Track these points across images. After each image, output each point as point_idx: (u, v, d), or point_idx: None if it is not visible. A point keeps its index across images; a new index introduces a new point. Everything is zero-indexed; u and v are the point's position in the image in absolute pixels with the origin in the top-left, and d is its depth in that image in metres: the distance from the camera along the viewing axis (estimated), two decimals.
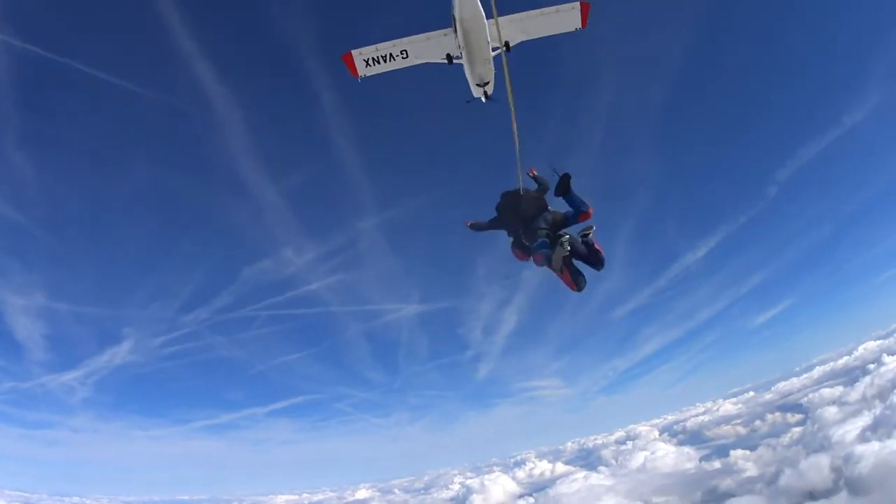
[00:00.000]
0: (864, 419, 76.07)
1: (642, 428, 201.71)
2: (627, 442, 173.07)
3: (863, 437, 67.11)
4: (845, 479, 61.83)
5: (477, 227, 12.77)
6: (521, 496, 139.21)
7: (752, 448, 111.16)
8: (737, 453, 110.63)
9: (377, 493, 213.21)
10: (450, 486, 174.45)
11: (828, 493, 64.05)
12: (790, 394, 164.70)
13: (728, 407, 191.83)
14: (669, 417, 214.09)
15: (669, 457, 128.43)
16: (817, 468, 69.75)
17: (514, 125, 11.01)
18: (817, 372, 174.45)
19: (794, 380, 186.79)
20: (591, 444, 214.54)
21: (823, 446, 75.92)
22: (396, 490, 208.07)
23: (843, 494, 60.88)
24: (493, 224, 12.59)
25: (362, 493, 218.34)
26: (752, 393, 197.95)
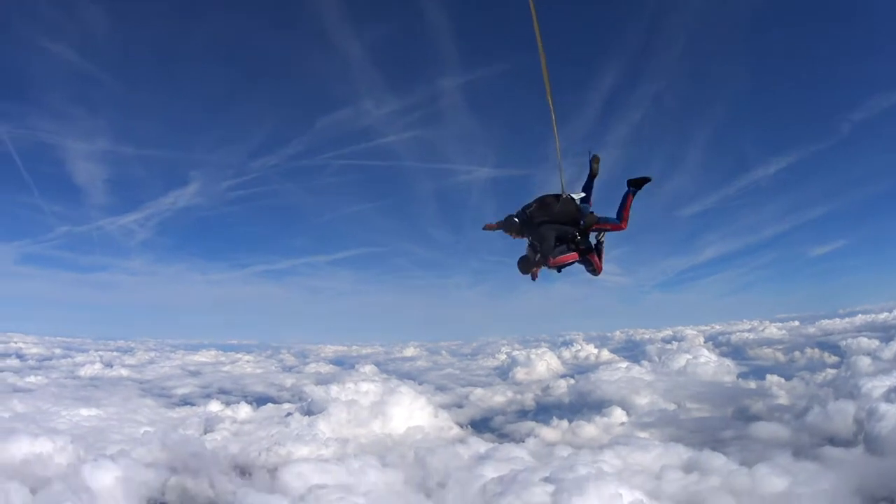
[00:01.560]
0: (894, 380, 77.57)
1: (689, 331, 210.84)
2: (673, 342, 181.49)
3: (888, 397, 68.77)
4: (865, 434, 64.66)
5: (498, 228, 10.65)
6: (563, 376, 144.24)
7: (788, 377, 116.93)
8: (773, 378, 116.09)
9: (425, 353, 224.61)
10: (496, 356, 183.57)
11: (847, 442, 66.47)
12: (831, 333, 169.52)
13: (773, 330, 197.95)
14: (717, 327, 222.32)
15: (710, 366, 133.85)
16: (843, 415, 74.08)
17: (555, 126, 9.07)
18: (859, 319, 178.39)
19: (837, 320, 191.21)
20: (638, 337, 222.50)
21: (852, 394, 79.03)
22: (444, 352, 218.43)
23: (860, 449, 62.76)
24: (515, 227, 10.38)
25: (410, 351, 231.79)
26: (796, 323, 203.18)
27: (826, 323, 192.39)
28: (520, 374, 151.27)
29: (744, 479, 55.90)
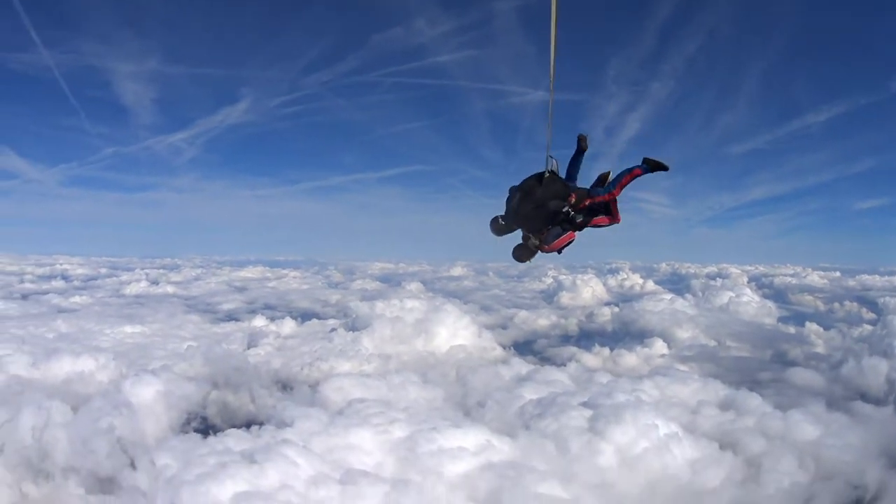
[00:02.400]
0: None
1: (733, 270, 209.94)
2: (717, 279, 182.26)
3: None
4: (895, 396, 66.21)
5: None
6: (607, 303, 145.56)
7: (827, 327, 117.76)
8: (812, 326, 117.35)
9: (472, 273, 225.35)
10: (542, 279, 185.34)
11: (878, 401, 67.10)
12: (871, 289, 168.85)
13: (815, 278, 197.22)
14: (760, 268, 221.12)
15: (752, 306, 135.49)
16: (875, 372, 75.34)
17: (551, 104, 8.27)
18: None
19: (877, 277, 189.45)
20: (683, 271, 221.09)
21: (887, 353, 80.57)
22: (491, 273, 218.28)
23: (890, 409, 63.04)
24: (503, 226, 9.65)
25: (457, 271, 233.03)
26: (838, 274, 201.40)
27: (866, 278, 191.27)
28: (565, 298, 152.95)
29: (777, 422, 58.05)
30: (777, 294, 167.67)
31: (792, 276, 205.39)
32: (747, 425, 58.13)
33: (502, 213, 9.66)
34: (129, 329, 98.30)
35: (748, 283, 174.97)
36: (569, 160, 10.08)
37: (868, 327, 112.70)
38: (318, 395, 61.05)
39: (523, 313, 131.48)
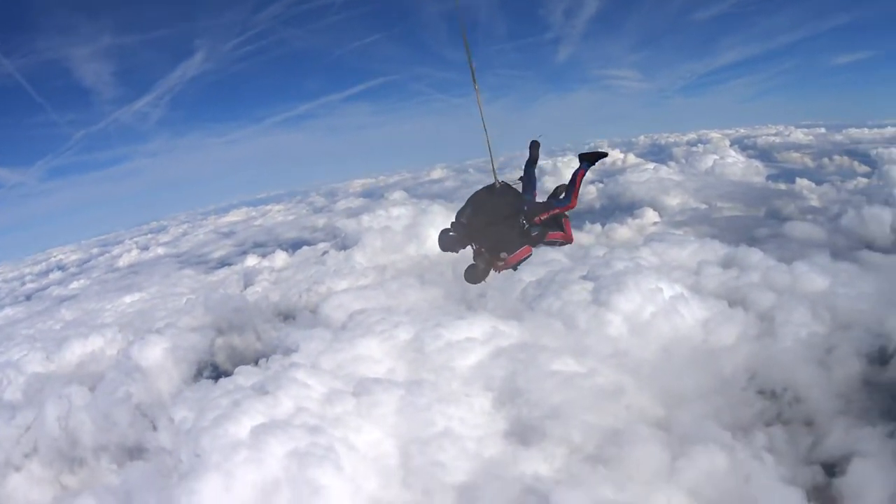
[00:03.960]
0: None
1: (714, 135, 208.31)
2: (698, 145, 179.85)
3: None
4: None
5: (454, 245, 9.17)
6: (591, 182, 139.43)
7: (818, 182, 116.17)
8: (803, 182, 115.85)
9: (452, 173, 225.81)
10: (523, 167, 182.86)
11: (885, 250, 66.12)
12: (860, 142, 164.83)
13: (799, 135, 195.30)
14: (741, 131, 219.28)
15: (738, 166, 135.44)
16: (878, 221, 74.27)
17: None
18: (889, 131, 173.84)
19: (866, 130, 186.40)
20: (662, 141, 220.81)
21: (888, 202, 79.30)
22: (471, 170, 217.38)
23: None
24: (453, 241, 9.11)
25: (437, 173, 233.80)
26: (823, 130, 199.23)
27: (854, 132, 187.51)
28: (548, 183, 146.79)
29: (783, 275, 56.87)
30: (762, 154, 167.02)
31: (775, 135, 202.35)
32: (753, 281, 57.16)
33: (451, 225, 9.14)
34: (128, 299, 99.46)
35: (731, 146, 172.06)
36: (522, 171, 9.98)
37: (863, 180, 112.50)
38: (319, 317, 61.22)
39: None
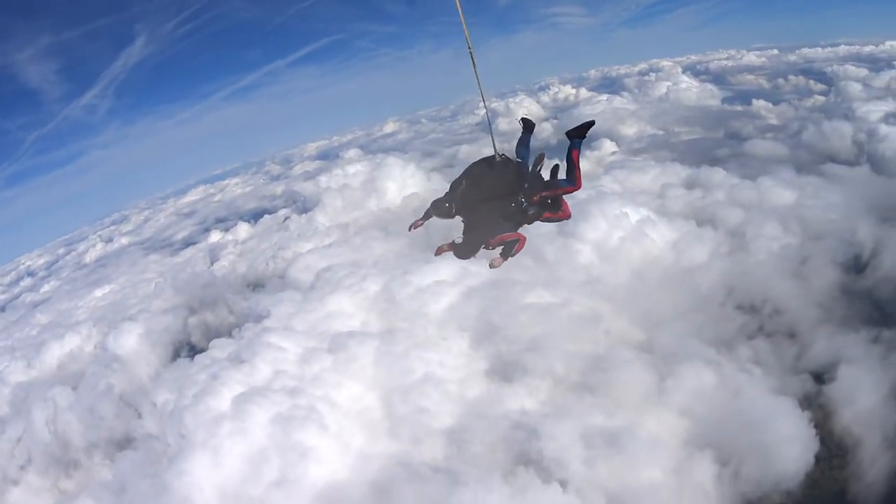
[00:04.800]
0: (889, 105, 77.84)
1: (665, 63, 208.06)
2: (650, 74, 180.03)
3: (888, 121, 68.11)
4: (868, 155, 64.02)
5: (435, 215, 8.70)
6: (545, 119, 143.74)
7: (775, 102, 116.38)
8: (759, 103, 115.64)
9: (405, 125, 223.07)
10: (475, 112, 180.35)
11: (849, 162, 65.91)
12: (814, 61, 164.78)
13: (751, 58, 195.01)
14: (692, 58, 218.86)
15: (692, 91, 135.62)
16: (840, 135, 73.95)
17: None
18: (843, 50, 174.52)
19: (819, 50, 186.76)
20: (613, 74, 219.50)
21: (847, 117, 78.70)
22: (423, 120, 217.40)
23: (866, 168, 61.81)
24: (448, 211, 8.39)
25: (390, 127, 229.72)
26: (775, 51, 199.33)
27: (807, 52, 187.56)
28: (502, 125, 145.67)
29: (749, 192, 56.95)
30: (716, 78, 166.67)
31: (727, 59, 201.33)
32: (718, 199, 57.32)
33: (445, 196, 8.55)
34: (98, 293, 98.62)
35: (683, 72, 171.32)
36: (516, 146, 9.22)
37: (820, 98, 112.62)
38: (287, 281, 61.04)
39: (465, 147, 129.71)
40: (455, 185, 8.45)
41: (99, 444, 48.91)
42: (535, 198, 8.42)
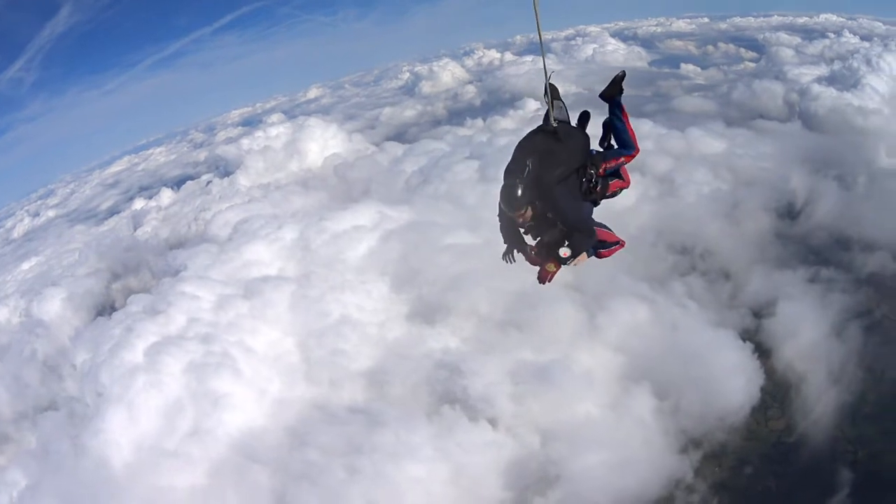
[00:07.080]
0: (822, 70, 77.52)
1: (592, 28, 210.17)
2: (577, 38, 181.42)
3: (819, 83, 68.36)
4: (800, 112, 65.35)
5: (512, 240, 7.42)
6: (469, 82, 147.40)
7: (704, 67, 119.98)
8: (688, 67, 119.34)
9: (328, 91, 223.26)
10: (399, 76, 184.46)
11: (781, 119, 67.67)
12: (746, 30, 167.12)
13: (681, 25, 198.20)
14: (620, 24, 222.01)
15: (619, 53, 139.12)
16: (770, 94, 76.13)
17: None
18: (776, 20, 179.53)
19: (751, 19, 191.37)
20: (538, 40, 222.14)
21: (778, 78, 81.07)
22: (347, 85, 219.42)
23: (798, 124, 63.35)
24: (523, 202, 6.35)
25: (313, 93, 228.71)
26: (706, 19, 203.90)
27: (739, 20, 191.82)
28: (426, 87, 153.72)
29: (677, 141, 57.54)
30: (644, 43, 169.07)
31: (656, 25, 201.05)
32: (646, 147, 55.01)
33: (514, 180, 6.39)
34: (25, 266, 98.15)
35: (611, 37, 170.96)
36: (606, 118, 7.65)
37: (750, 64, 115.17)
38: (205, 235, 62.68)
39: (388, 110, 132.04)
40: (514, 169, 6.51)
41: (27, 414, 48.12)
42: (601, 170, 7.20)
